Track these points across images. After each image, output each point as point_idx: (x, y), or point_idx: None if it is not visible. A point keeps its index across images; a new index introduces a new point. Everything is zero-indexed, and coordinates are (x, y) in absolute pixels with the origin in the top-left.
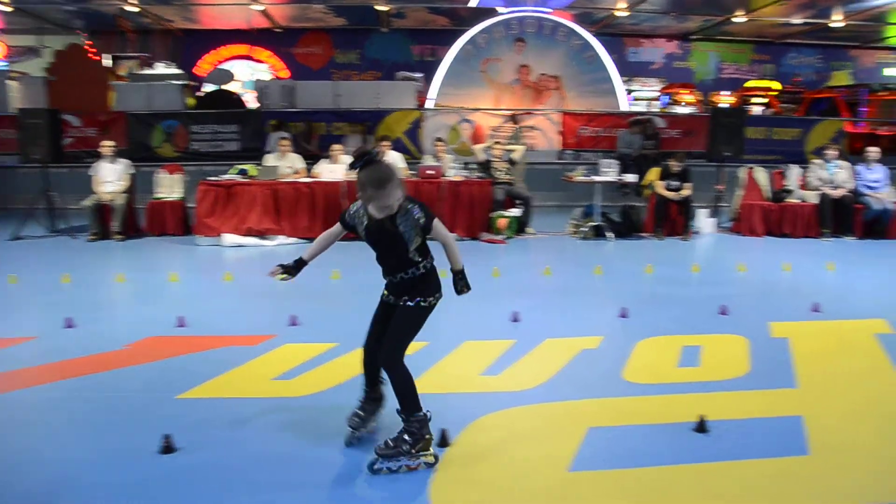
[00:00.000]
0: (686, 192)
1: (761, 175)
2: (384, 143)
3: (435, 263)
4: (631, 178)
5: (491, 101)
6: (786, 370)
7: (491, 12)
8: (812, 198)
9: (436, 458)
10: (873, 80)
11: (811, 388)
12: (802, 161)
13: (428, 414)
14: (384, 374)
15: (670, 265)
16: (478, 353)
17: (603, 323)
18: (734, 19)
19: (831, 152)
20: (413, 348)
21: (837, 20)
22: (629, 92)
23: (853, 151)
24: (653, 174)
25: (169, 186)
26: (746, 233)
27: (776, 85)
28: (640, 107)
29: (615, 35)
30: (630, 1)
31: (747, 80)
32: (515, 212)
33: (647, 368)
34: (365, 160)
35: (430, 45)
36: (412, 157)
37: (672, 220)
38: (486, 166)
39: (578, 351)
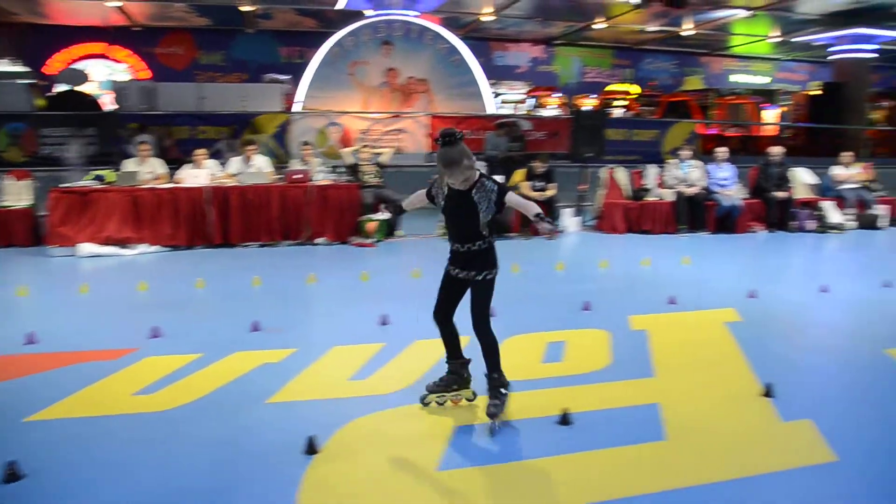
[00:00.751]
0: (550, 192)
1: (621, 175)
2: (250, 146)
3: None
4: (498, 179)
5: (359, 104)
6: (644, 361)
7: (358, 15)
8: (669, 196)
9: (474, 394)
10: (722, 85)
11: (667, 376)
12: (659, 161)
13: (468, 360)
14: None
15: (536, 264)
16: (346, 358)
17: (470, 323)
18: (595, 26)
19: (685, 152)
20: (280, 356)
21: (688, 29)
22: (496, 95)
23: (705, 151)
24: (518, 175)
25: (16, 194)
26: (609, 230)
27: (636, 89)
28: (507, 109)
29: (482, 39)
30: (496, 6)
31: (608, 83)
32: (384, 215)
33: (513, 365)
34: (444, 140)
35: (297, 47)
36: (280, 161)
37: None
38: (354, 170)
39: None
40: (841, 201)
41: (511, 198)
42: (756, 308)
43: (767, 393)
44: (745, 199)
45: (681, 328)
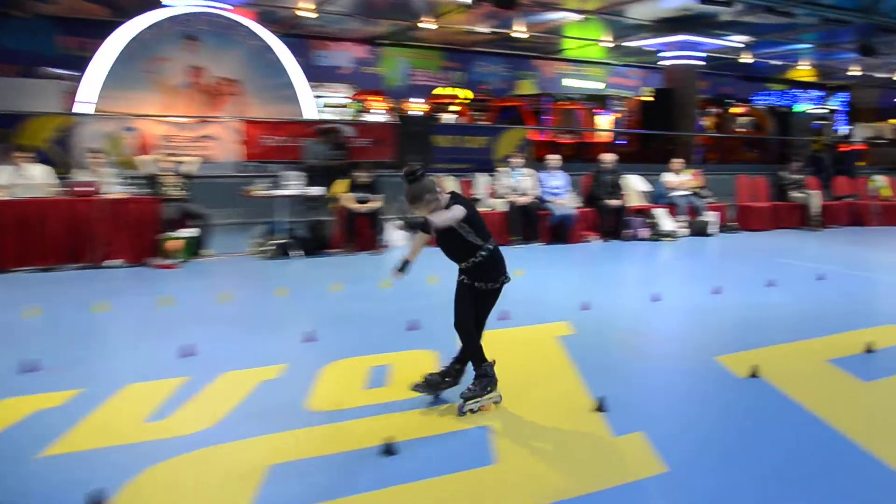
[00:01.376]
0: (375, 204)
1: (451, 184)
2: (19, 154)
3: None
4: (317, 190)
5: (159, 107)
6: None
7: (156, 4)
8: (500, 206)
9: (500, 397)
10: (555, 90)
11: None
12: (491, 169)
13: (493, 361)
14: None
15: (360, 281)
16: (143, 397)
17: (286, 349)
18: (422, 25)
19: (517, 160)
20: (60, 399)
21: (520, 31)
22: (317, 98)
23: (538, 159)
24: (340, 186)
25: None
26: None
27: (466, 93)
28: (330, 114)
29: (301, 37)
30: (316, 1)
31: (438, 87)
32: (190, 232)
33: (332, 394)
34: (408, 178)
35: (79, 38)
36: (62, 172)
37: (362, 235)
38: (153, 181)
39: (258, 382)
40: (673, 208)
41: (442, 217)
42: (589, 320)
43: (600, 407)
44: (578, 207)
45: (513, 345)
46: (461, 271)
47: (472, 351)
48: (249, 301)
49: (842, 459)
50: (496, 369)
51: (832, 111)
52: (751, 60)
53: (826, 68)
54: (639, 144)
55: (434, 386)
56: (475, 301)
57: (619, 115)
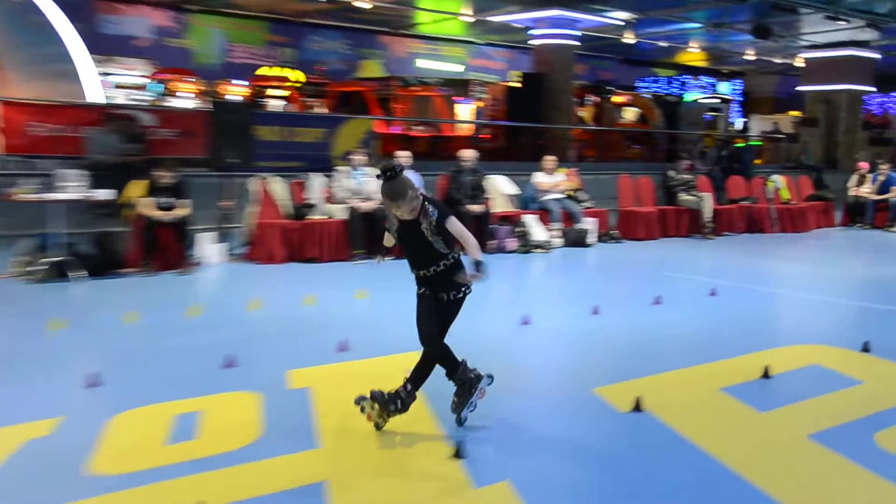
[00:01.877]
0: (182, 211)
1: (278, 187)
2: None
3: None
4: (105, 194)
5: None
6: (307, 428)
7: None
8: (339, 212)
9: (490, 376)
10: (406, 73)
11: (337, 445)
12: (328, 168)
13: (465, 361)
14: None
15: (162, 309)
16: None
17: (62, 398)
18: None
19: (359, 158)
20: None
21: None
22: (104, 76)
23: (386, 155)
24: (136, 189)
25: None
26: (264, 260)
27: (298, 74)
28: (122, 97)
29: None
30: None
31: (262, 66)
32: None
33: (124, 452)
34: (387, 175)
35: None
36: None
37: (165, 249)
38: None
39: (22, 442)
40: (545, 215)
41: (454, 226)
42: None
43: (458, 453)
44: None
45: (355, 381)
46: (421, 282)
47: (444, 364)
48: (11, 337)
49: (735, 502)
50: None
51: (726, 101)
52: (634, 41)
53: (718, 52)
54: (505, 139)
55: (382, 403)
56: (438, 313)
57: (481, 104)
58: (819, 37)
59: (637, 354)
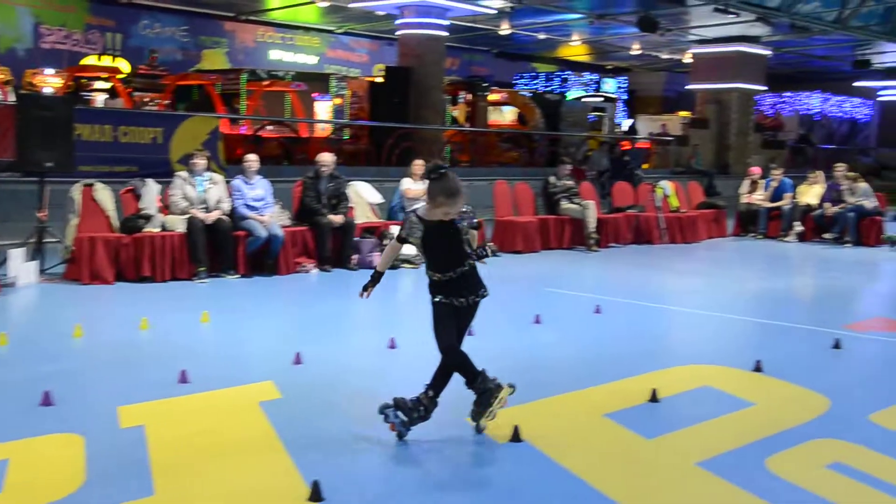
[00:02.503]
0: None
1: (106, 195)
2: None
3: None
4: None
5: None
6: (140, 472)
7: None
8: (179, 224)
9: (512, 386)
10: (256, 65)
11: (174, 491)
12: (166, 173)
13: (484, 370)
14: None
15: None
16: None
17: None
18: None
19: (201, 161)
20: None
21: None
22: None
23: (232, 160)
24: None
25: None
26: (88, 279)
27: (126, 65)
28: None
29: None
30: None
31: (83, 54)
32: None
33: None
34: (441, 172)
35: None
36: None
37: None
38: None
39: None
40: None
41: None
42: (303, 378)
43: (314, 495)
44: (288, 226)
45: (196, 417)
46: (437, 288)
47: (463, 373)
48: None
49: None
50: None
51: (611, 100)
52: (510, 32)
53: (602, 46)
54: (369, 141)
55: (406, 411)
56: (455, 320)
57: (341, 101)
58: (708, 31)
59: (514, 379)
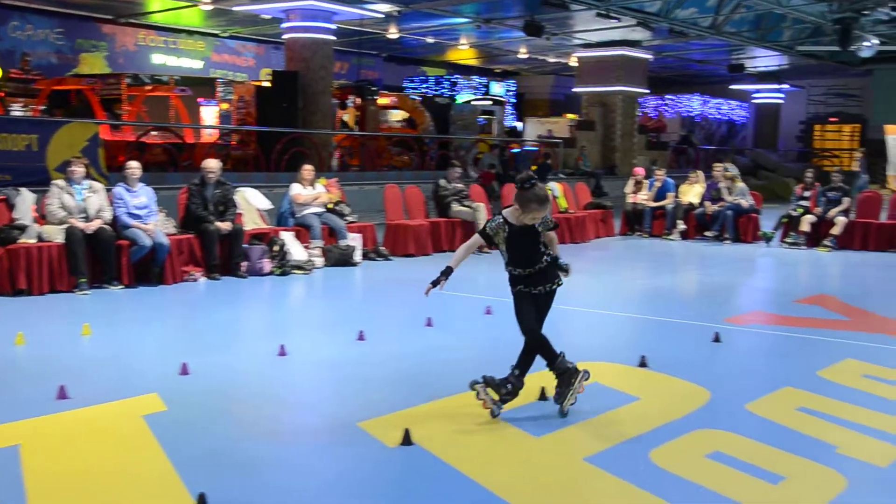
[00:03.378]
0: None
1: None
2: None
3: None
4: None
5: None
6: (14, 494)
7: None
8: (57, 234)
9: (587, 372)
10: (138, 69)
11: None
12: (43, 182)
13: (563, 353)
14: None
15: None
16: None
17: None
18: None
19: (79, 169)
20: None
21: None
22: None
23: (113, 166)
24: None
25: None
26: None
27: None
28: None
29: None
30: None
31: None
32: None
33: None
34: (532, 182)
35: None
36: None
37: None
38: None
39: None
40: (304, 232)
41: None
42: (190, 389)
43: None
44: (173, 234)
45: (76, 435)
46: (518, 280)
47: (544, 354)
48: None
49: None
50: None
51: (500, 103)
52: (398, 36)
53: (490, 50)
54: (257, 147)
55: (495, 386)
56: (534, 306)
57: (227, 107)
58: (592, 35)
59: (406, 382)
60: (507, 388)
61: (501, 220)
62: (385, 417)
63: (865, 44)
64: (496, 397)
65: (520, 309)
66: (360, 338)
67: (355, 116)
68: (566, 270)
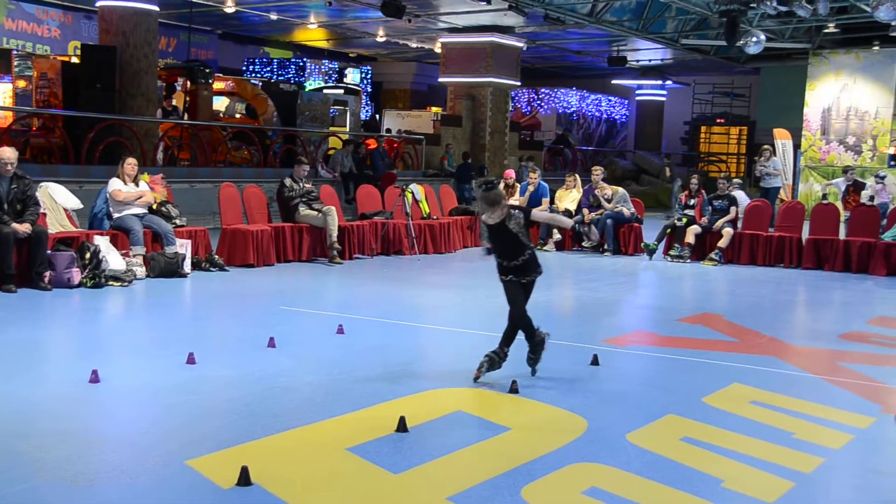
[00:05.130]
0: None
1: None
2: None
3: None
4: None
5: None
6: None
7: None
8: None
9: (548, 333)
10: None
11: None
12: None
13: (539, 327)
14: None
15: None
16: None
17: None
18: None
19: None
20: None
21: None
22: None
23: None
24: None
25: None
26: None
27: None
28: None
29: None
30: None
31: None
32: None
33: None
34: (487, 187)
35: None
36: None
37: None
38: None
39: None
40: (123, 236)
41: (537, 215)
42: None
43: None
44: None
45: None
46: (507, 271)
47: (526, 331)
48: None
49: None
50: None
51: (355, 93)
52: (235, 10)
53: (344, 31)
54: (65, 134)
55: (493, 363)
56: (522, 293)
57: (24, 84)
58: (459, 19)
59: (244, 413)
60: (542, 338)
61: (482, 223)
62: (219, 454)
63: (753, 39)
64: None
65: (511, 296)
66: (190, 361)
67: (186, 102)
68: (540, 271)
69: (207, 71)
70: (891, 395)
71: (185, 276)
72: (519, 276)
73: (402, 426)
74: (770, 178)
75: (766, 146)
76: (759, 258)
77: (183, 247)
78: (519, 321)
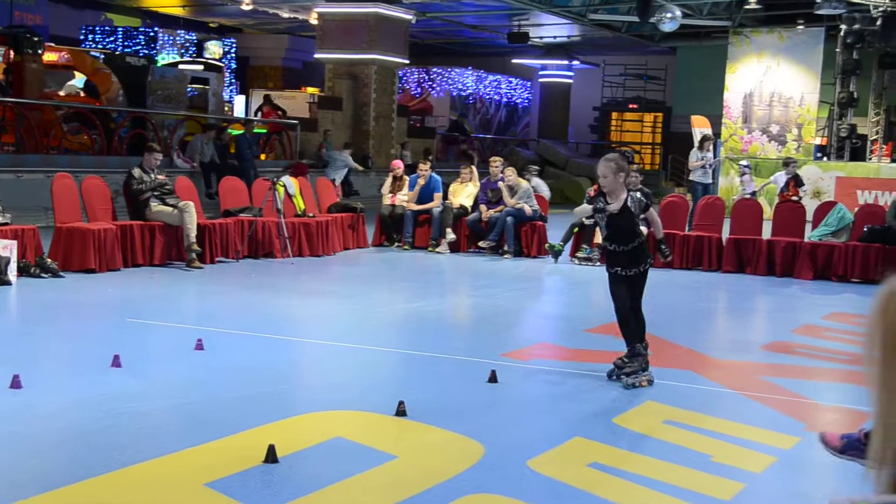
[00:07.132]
0: None
1: None
2: None
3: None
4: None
5: None
6: None
7: None
8: None
9: (651, 381)
10: None
11: None
12: None
13: (646, 343)
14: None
15: None
16: None
17: None
18: None
19: None
20: None
21: None
22: None
23: None
24: None
25: None
26: None
27: None
28: None
29: None
30: None
31: None
32: None
33: None
34: (629, 157)
35: None
36: None
37: None
38: None
39: None
40: None
41: (652, 214)
42: None
43: None
44: None
45: None
46: (615, 262)
47: (628, 331)
48: None
49: None
50: None
51: (217, 69)
52: None
53: None
54: None
55: (632, 359)
56: (629, 288)
57: None
58: None
59: (81, 445)
60: (643, 361)
61: (601, 199)
62: (52, 494)
63: (668, 15)
64: (644, 369)
65: (612, 289)
66: (15, 385)
67: (10, 77)
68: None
69: (36, 40)
70: (816, 411)
71: (9, 283)
72: (625, 268)
73: (271, 456)
74: (701, 172)
75: (707, 135)
76: (676, 260)
77: (7, 249)
78: (620, 316)
